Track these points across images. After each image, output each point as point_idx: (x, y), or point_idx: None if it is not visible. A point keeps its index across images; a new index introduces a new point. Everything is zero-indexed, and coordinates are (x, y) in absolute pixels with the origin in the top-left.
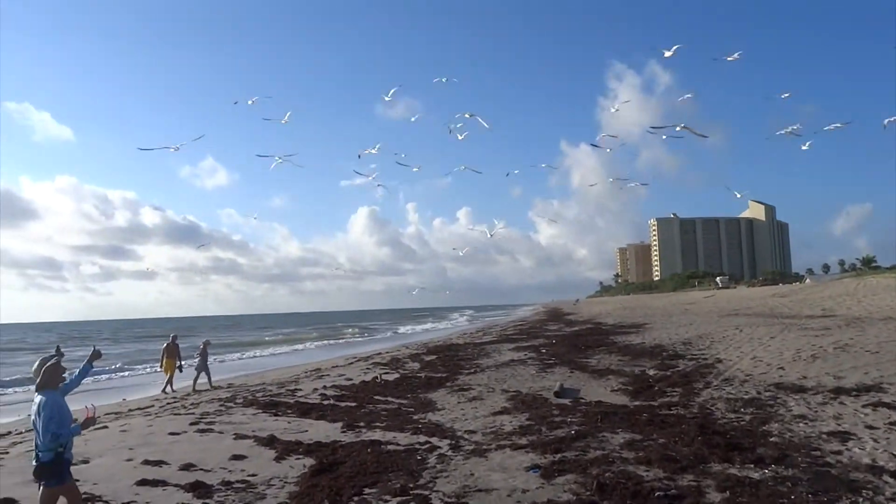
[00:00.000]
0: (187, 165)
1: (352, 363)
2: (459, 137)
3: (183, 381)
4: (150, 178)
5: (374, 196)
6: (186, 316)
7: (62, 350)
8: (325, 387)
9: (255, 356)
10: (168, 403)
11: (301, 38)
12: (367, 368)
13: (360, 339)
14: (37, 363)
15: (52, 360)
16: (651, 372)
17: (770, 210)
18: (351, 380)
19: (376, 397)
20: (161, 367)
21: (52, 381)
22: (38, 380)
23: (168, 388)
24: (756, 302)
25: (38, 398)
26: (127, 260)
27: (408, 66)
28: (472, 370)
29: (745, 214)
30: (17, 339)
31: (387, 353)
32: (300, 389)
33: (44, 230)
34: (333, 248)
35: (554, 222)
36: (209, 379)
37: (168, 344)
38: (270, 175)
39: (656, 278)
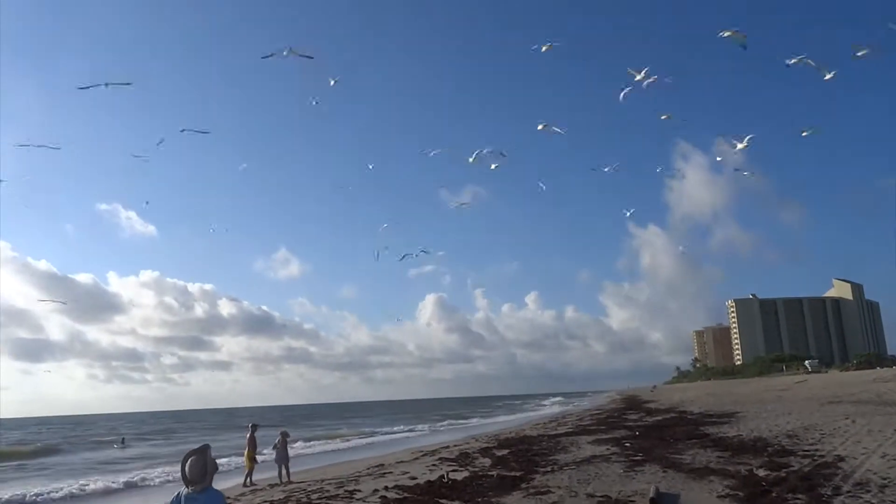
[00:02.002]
0: (261, 258)
1: (417, 458)
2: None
3: (261, 474)
4: (228, 270)
5: (442, 282)
6: (259, 405)
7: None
8: (385, 487)
9: (322, 448)
10: (241, 495)
11: (377, 128)
12: (434, 465)
13: (428, 429)
14: (194, 456)
15: (203, 450)
16: (760, 472)
17: (857, 288)
18: (415, 479)
19: (441, 501)
20: (245, 458)
21: (211, 475)
22: (195, 475)
23: (248, 481)
24: (858, 387)
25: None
26: (204, 350)
27: (465, 149)
28: (550, 468)
29: (830, 294)
30: (113, 429)
31: (455, 445)
32: (359, 490)
33: (128, 323)
34: (402, 336)
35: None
36: (287, 471)
37: (250, 435)
38: (341, 265)
39: (738, 362)
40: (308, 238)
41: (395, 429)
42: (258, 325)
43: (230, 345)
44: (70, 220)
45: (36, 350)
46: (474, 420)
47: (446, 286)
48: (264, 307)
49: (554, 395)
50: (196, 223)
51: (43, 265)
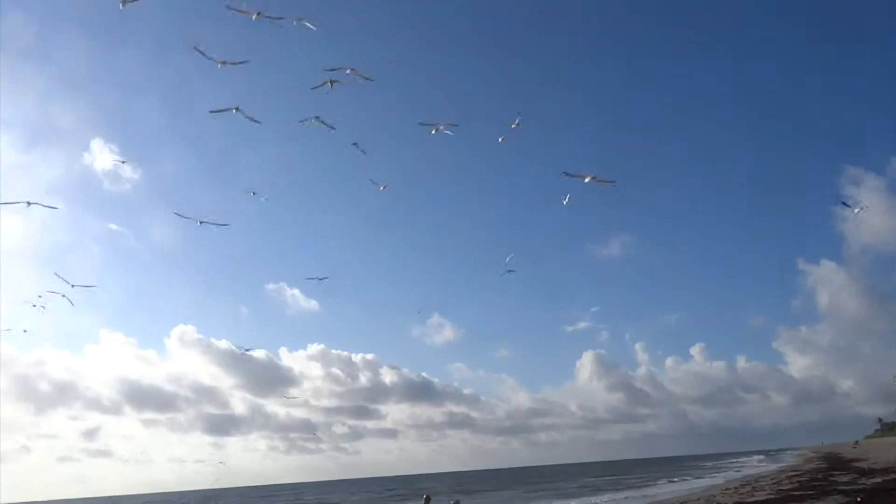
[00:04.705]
0: (417, 325)
1: None
2: None
3: None
4: (387, 339)
5: (600, 339)
6: (424, 473)
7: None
8: None
9: None
10: None
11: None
12: None
13: (607, 495)
14: None
15: None
16: None
17: None
18: None
19: None
20: None
21: None
22: None
23: None
24: None
25: None
26: (371, 419)
27: (625, 196)
28: None
29: None
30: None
31: None
32: None
33: (301, 395)
34: (563, 397)
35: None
36: None
37: None
38: (495, 328)
39: None
40: (458, 302)
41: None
42: (419, 392)
43: (394, 412)
44: (244, 301)
45: (223, 424)
46: (659, 486)
47: (604, 342)
48: (424, 374)
49: (736, 455)
50: (353, 296)
51: (223, 344)
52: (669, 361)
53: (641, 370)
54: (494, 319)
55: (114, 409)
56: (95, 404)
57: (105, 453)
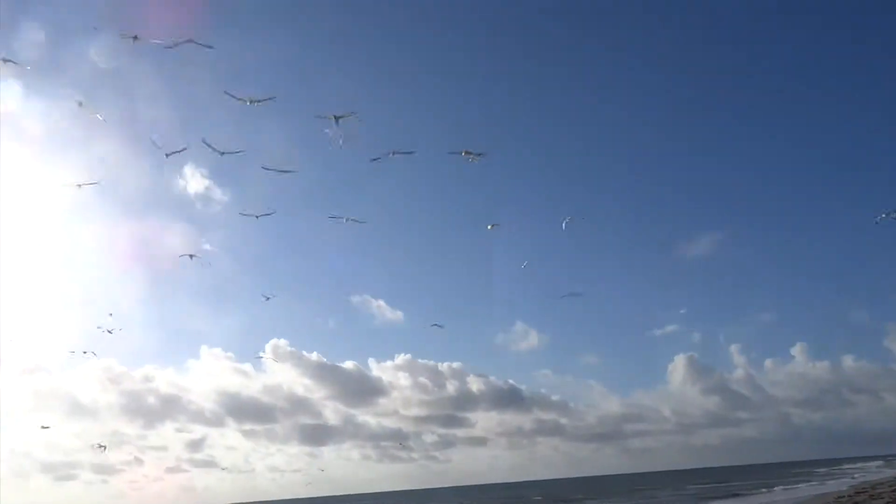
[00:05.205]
0: (501, 333)
1: None
2: None
3: None
4: (472, 347)
5: (691, 341)
6: (517, 481)
7: None
8: None
9: None
10: None
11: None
12: None
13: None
14: None
15: None
16: None
17: None
18: None
19: None
20: None
21: None
22: None
23: None
24: None
25: None
26: (460, 427)
27: (715, 190)
28: None
29: None
30: None
31: None
32: None
33: (390, 404)
34: (655, 401)
35: None
36: None
37: None
38: (579, 332)
39: None
40: (541, 309)
41: None
42: (506, 399)
43: (483, 420)
44: (331, 314)
45: (318, 434)
46: (774, 493)
47: (696, 344)
48: (510, 381)
49: (851, 461)
50: (435, 304)
51: (314, 357)
52: (768, 363)
53: (738, 372)
54: (579, 325)
55: (216, 422)
56: (199, 417)
57: (210, 463)
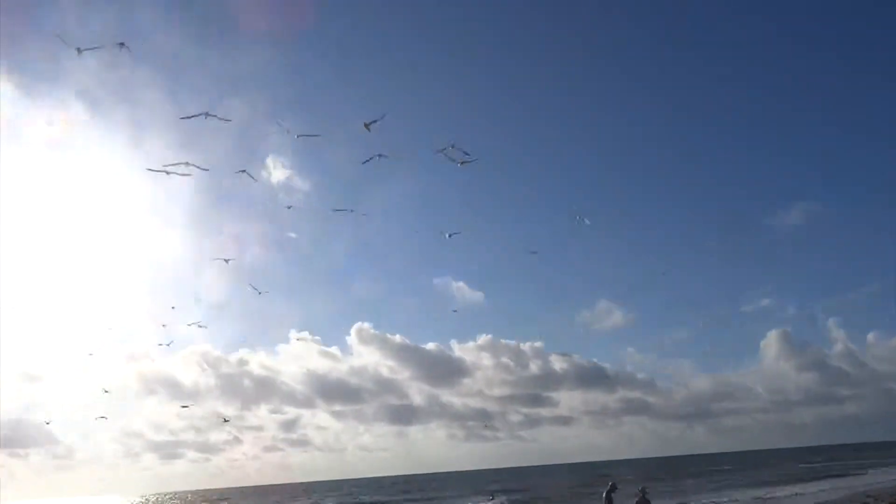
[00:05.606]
0: (585, 310)
1: None
2: None
3: None
4: (553, 326)
5: (784, 315)
6: (604, 460)
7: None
8: None
9: None
10: None
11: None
12: None
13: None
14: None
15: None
16: None
17: None
18: None
19: None
20: None
21: None
22: None
23: None
24: None
25: None
26: (545, 406)
27: (803, 162)
28: None
29: None
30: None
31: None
32: None
33: (474, 385)
34: (747, 379)
35: None
36: None
37: (607, 491)
38: (667, 309)
39: None
40: (627, 286)
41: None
42: (591, 378)
43: (567, 399)
44: (413, 295)
45: (404, 414)
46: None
47: (790, 319)
48: (594, 360)
49: None
50: (516, 284)
51: (398, 339)
52: (871, 337)
53: (838, 347)
54: (666, 301)
55: (307, 403)
56: (291, 398)
57: (303, 443)
